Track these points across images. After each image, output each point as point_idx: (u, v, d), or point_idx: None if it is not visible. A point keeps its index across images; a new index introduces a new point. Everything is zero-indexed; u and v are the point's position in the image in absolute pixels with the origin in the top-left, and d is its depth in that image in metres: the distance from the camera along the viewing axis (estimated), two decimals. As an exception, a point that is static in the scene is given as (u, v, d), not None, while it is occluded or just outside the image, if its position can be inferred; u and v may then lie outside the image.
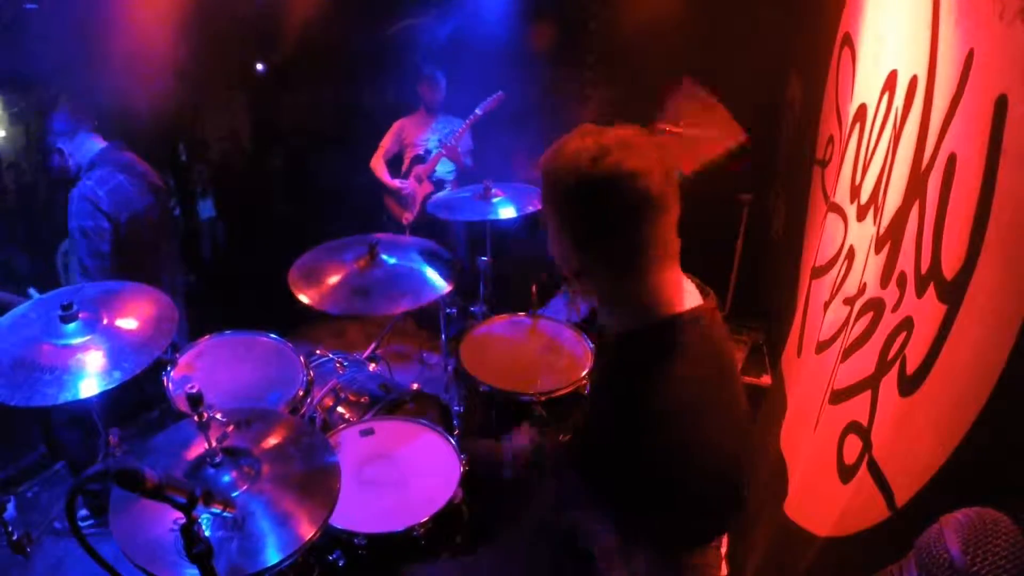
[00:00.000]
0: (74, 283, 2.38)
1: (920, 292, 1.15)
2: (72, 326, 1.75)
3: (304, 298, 2.09)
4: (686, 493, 1.02)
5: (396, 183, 3.85)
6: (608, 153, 1.00)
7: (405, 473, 1.84)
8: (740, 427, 1.09)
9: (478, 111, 3.53)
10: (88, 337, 1.75)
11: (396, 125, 3.90)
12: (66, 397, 1.60)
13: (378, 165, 3.89)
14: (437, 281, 2.22)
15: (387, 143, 3.90)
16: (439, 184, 3.86)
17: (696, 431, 1.03)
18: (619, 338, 1.14)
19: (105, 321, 1.81)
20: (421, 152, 3.83)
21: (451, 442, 1.91)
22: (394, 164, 3.94)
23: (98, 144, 2.43)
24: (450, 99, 3.81)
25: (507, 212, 2.72)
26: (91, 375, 1.66)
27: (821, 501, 1.45)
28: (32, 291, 2.35)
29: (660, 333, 1.08)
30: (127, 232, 2.36)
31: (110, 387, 1.64)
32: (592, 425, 1.18)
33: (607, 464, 1.08)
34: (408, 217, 3.87)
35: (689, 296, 1.12)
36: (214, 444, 1.41)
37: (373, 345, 2.93)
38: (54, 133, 2.38)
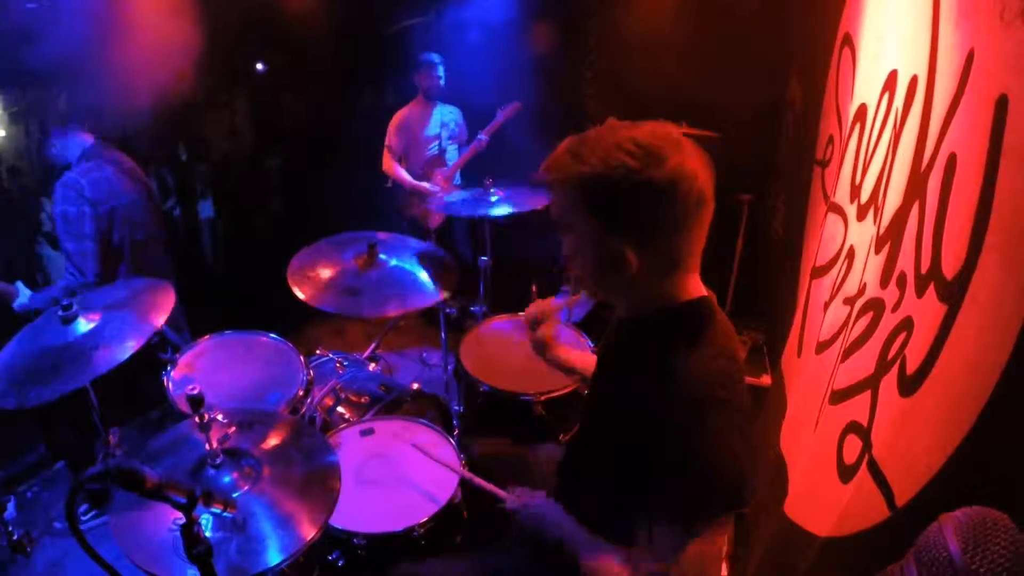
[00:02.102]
0: (58, 276, 2.46)
1: (920, 292, 1.15)
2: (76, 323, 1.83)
3: (300, 294, 2.12)
4: (721, 457, 1.00)
5: (425, 186, 3.69)
6: (663, 153, 0.96)
7: (405, 473, 1.83)
8: (750, 422, 1.09)
9: (498, 119, 3.51)
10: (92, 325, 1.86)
11: (396, 119, 3.73)
12: (91, 375, 1.73)
13: (392, 167, 3.72)
14: (431, 287, 2.22)
15: (393, 141, 3.72)
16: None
17: (730, 402, 1.02)
18: (646, 322, 1.12)
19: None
20: (435, 151, 3.75)
21: (451, 442, 1.91)
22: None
23: (87, 140, 2.52)
24: (451, 94, 3.78)
25: (503, 209, 2.74)
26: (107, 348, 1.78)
27: (821, 501, 1.45)
28: (19, 284, 2.43)
29: (690, 312, 1.09)
30: (110, 224, 2.45)
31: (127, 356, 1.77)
32: (616, 413, 1.14)
33: (640, 448, 1.05)
34: (436, 220, 3.78)
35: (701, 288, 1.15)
36: (215, 445, 1.41)
37: (373, 345, 2.93)
38: (49, 131, 2.50)
